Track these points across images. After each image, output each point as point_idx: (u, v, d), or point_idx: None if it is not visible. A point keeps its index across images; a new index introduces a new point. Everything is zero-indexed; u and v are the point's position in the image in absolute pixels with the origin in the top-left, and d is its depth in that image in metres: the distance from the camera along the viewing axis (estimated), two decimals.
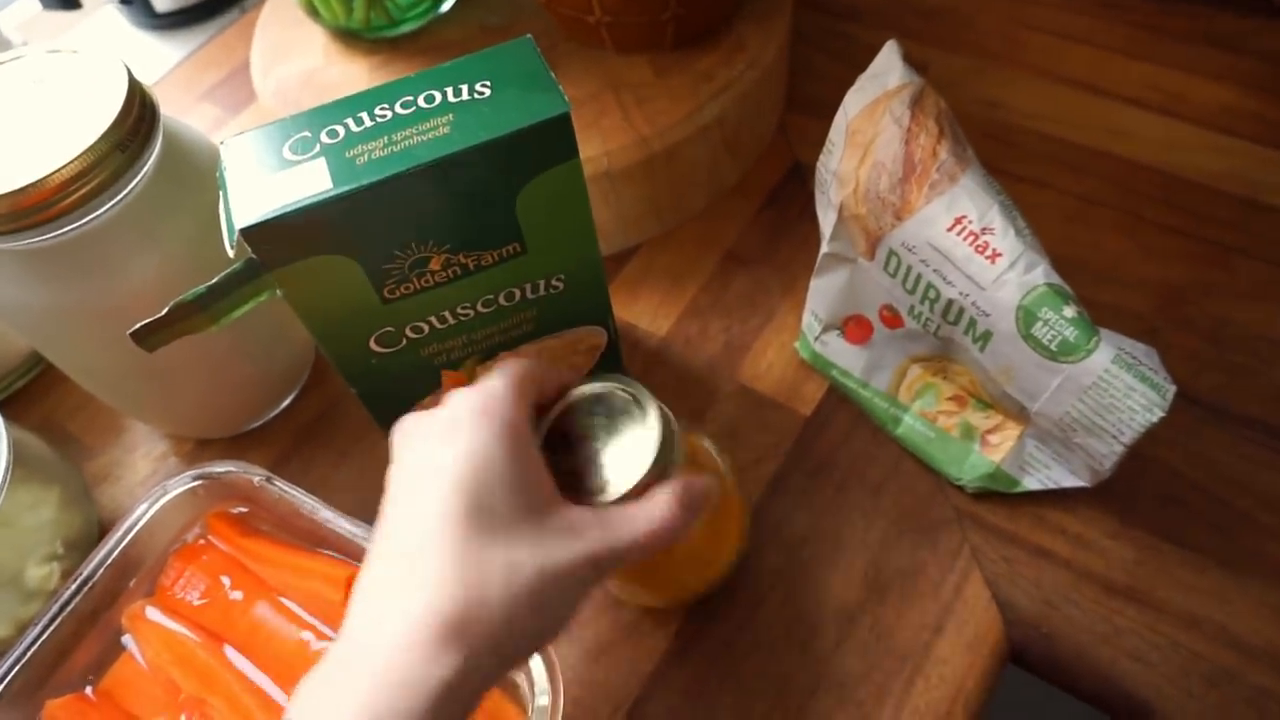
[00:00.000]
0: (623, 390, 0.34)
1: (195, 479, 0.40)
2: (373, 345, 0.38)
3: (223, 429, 0.49)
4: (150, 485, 0.49)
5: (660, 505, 0.31)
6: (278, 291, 0.34)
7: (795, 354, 0.48)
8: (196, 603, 0.39)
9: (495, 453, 0.29)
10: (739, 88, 0.52)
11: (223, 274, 0.32)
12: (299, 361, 0.50)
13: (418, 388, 0.41)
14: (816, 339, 0.46)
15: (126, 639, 0.39)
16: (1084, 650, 0.39)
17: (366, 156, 0.32)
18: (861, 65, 0.44)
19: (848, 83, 0.44)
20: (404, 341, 0.38)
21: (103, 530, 0.46)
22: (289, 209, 0.31)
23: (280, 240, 0.32)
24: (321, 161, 0.32)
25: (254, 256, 0.32)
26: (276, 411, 0.50)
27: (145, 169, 0.38)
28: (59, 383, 0.52)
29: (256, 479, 0.40)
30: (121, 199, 0.37)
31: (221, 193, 0.33)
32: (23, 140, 0.36)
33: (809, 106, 0.59)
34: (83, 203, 0.36)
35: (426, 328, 0.38)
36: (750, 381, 0.48)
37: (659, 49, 0.53)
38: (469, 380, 0.42)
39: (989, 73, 0.60)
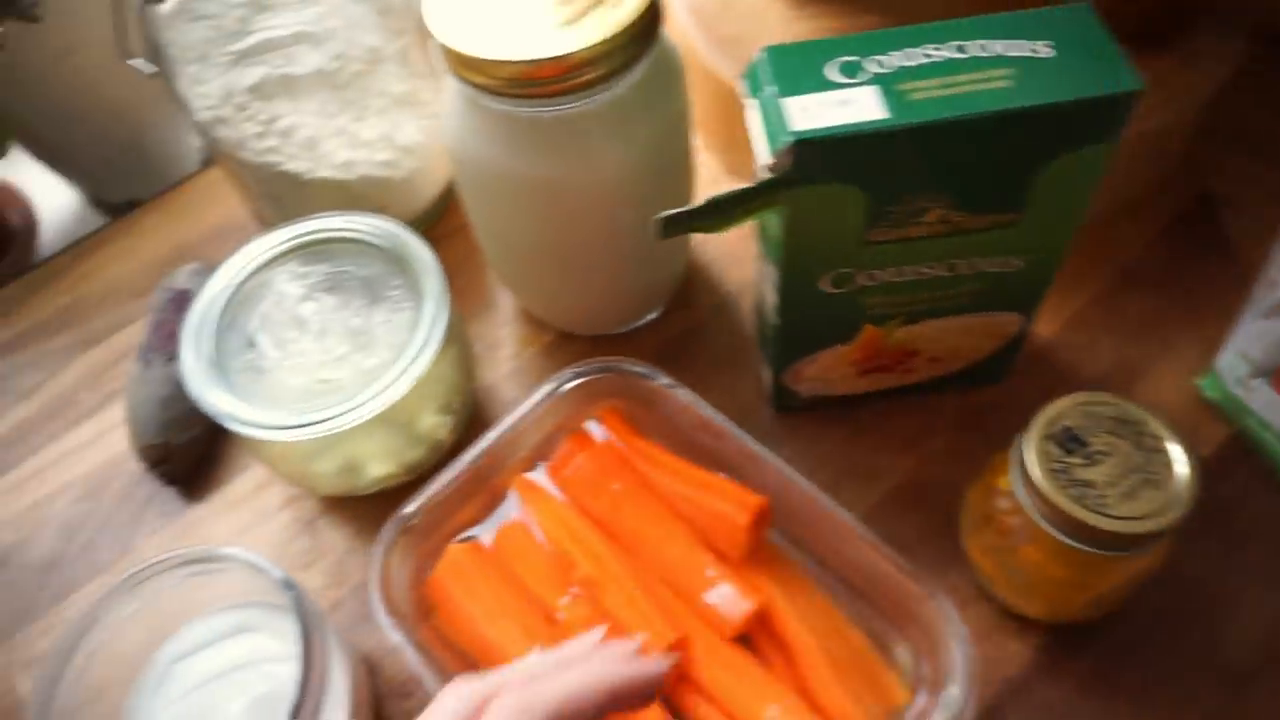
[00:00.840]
0: (1153, 423, 0.35)
1: (601, 370, 0.41)
2: (824, 283, 0.37)
3: (589, 327, 0.50)
4: (512, 364, 0.50)
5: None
6: (780, 209, 0.34)
7: (1195, 390, 0.45)
8: (584, 489, 0.40)
9: None
10: (1179, 103, 0.48)
11: (759, 180, 0.32)
12: (672, 279, 0.50)
13: (835, 333, 0.40)
14: (1237, 381, 0.43)
15: (511, 504, 0.41)
16: None
17: (922, 94, 0.31)
18: None
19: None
20: (853, 286, 0.37)
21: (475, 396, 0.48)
22: (845, 129, 0.31)
23: (822, 158, 0.31)
24: (873, 90, 0.31)
25: (788, 168, 0.32)
26: (638, 324, 0.50)
27: (644, 62, 0.38)
28: (440, 243, 0.54)
29: (663, 382, 0.40)
30: (618, 87, 0.37)
31: (756, 98, 0.33)
32: (542, 11, 0.37)
33: (1224, 138, 0.55)
34: (591, 84, 0.36)
35: (883, 277, 0.37)
36: None
37: None
38: (884, 339, 0.41)
39: None
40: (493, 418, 0.49)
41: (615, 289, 0.47)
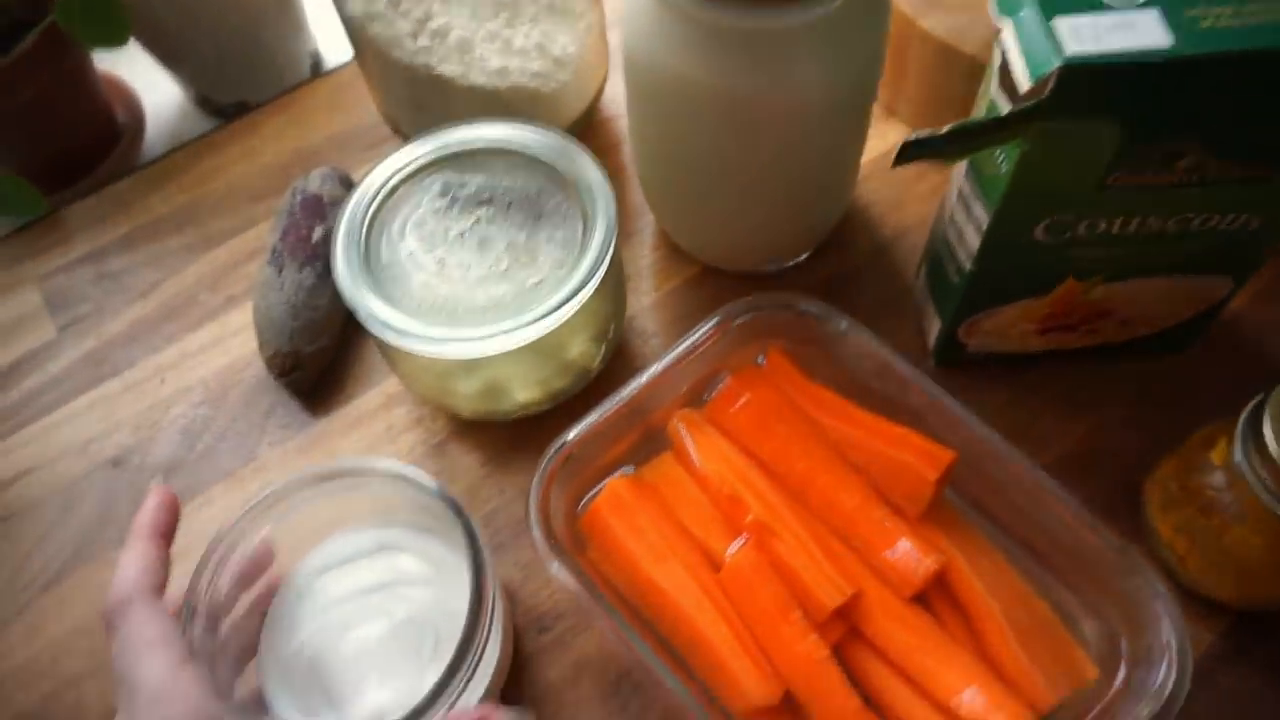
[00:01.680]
0: None
1: (774, 307, 0.39)
2: (1037, 231, 0.34)
3: (739, 263, 0.48)
4: (653, 296, 0.48)
5: None
6: (1019, 143, 0.31)
7: None
8: (748, 431, 0.38)
9: None
10: None
11: (1013, 109, 0.29)
12: (833, 218, 0.47)
13: (1031, 286, 0.38)
14: None
15: (666, 441, 0.39)
16: None
17: (1211, 21, 0.28)
18: None
19: None
20: (1069, 236, 0.35)
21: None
22: (1126, 56, 0.28)
23: (1090, 87, 0.28)
24: (1154, 14, 0.28)
25: (1048, 97, 0.29)
26: (788, 265, 0.48)
27: None
28: None
29: (841, 325, 0.38)
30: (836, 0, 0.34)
31: (1011, 18, 0.30)
32: None
33: None
34: None
35: (1104, 227, 0.34)
36: None
37: None
38: (1081, 296, 0.38)
39: None
40: (634, 349, 0.47)
41: (778, 222, 0.44)
